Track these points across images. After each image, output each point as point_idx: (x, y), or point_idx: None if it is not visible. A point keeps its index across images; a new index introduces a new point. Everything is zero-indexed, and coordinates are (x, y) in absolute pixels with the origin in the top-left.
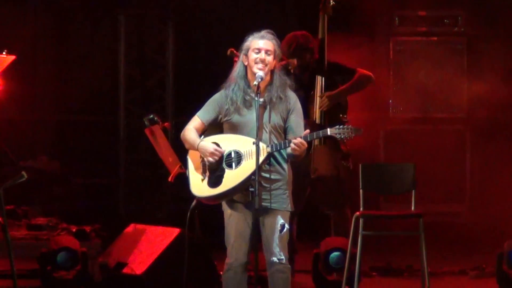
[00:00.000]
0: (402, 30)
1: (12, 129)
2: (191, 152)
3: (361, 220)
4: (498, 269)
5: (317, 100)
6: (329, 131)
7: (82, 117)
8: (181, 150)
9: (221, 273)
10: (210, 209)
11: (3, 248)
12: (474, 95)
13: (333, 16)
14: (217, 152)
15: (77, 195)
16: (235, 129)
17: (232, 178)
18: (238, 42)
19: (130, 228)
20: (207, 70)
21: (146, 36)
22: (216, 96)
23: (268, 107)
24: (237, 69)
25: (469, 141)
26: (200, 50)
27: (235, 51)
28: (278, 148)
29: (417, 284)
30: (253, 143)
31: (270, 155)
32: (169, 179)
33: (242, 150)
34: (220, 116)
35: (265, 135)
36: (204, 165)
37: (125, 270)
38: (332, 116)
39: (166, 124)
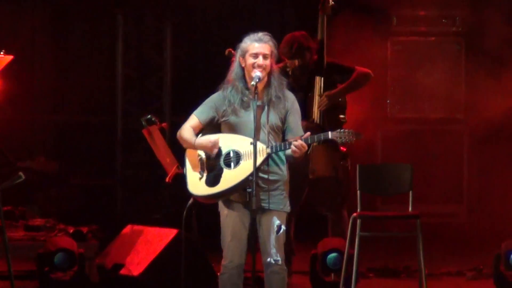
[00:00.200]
0: (400, 30)
1: (9, 129)
2: (188, 150)
3: (358, 221)
4: (495, 270)
5: (316, 100)
6: (330, 134)
7: (80, 118)
8: (178, 150)
9: (218, 274)
10: (207, 209)
11: (0, 249)
12: (471, 96)
13: (332, 16)
14: (216, 144)
15: (75, 196)
16: (233, 130)
17: (230, 177)
18: (236, 42)
19: (128, 229)
20: (205, 71)
21: (144, 36)
22: (214, 96)
23: (266, 107)
24: (234, 70)
25: (466, 142)
26: (198, 50)
27: (233, 51)
28: (278, 150)
29: (415, 285)
30: (251, 143)
31: (269, 156)
32: (167, 179)
33: (241, 150)
34: (217, 117)
35: (264, 136)
36: (202, 163)
37: (123, 271)
38: (331, 116)
39: (163, 124)
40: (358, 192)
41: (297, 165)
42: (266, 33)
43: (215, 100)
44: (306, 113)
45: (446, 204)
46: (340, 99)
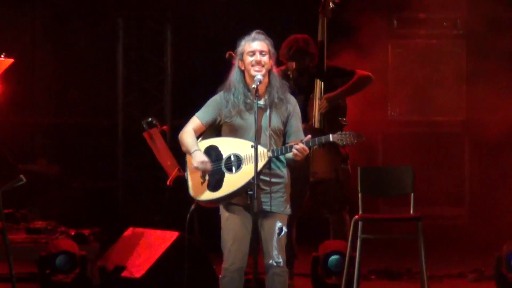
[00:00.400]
0: (401, 32)
1: (10, 132)
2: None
3: (360, 223)
4: (497, 272)
5: (316, 103)
6: (331, 137)
7: (81, 120)
8: (179, 153)
9: (219, 276)
10: (209, 212)
11: (2, 251)
12: (473, 98)
13: (332, 19)
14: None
15: (76, 198)
16: (235, 131)
17: (232, 182)
18: (236, 45)
19: (129, 231)
20: (205, 73)
21: (145, 39)
22: (216, 98)
23: (268, 110)
24: (234, 74)
25: (468, 144)
26: (199, 53)
27: (233, 54)
28: (280, 154)
29: (416, 287)
30: (251, 146)
31: (270, 160)
32: (168, 182)
33: (242, 154)
34: (219, 118)
35: (265, 139)
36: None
37: (124, 274)
38: (331, 119)
39: (164, 127)
40: (360, 194)
41: (298, 168)
42: (259, 31)
43: (217, 102)
44: (306, 116)
45: (448, 206)
46: (340, 102)
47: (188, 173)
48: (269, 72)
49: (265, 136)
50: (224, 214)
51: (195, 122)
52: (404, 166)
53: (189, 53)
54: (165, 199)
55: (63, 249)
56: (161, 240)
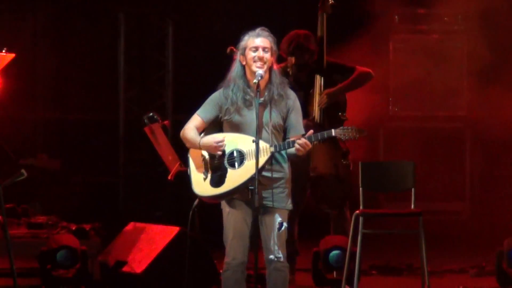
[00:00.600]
0: (402, 27)
1: (12, 127)
2: (192, 150)
3: (361, 219)
4: (498, 268)
5: (316, 98)
6: (333, 132)
7: (82, 116)
8: (180, 148)
9: (220, 271)
10: (210, 207)
11: (3, 246)
12: (474, 93)
13: (332, 15)
14: (220, 144)
15: (77, 193)
16: (236, 128)
17: (235, 177)
18: (238, 40)
19: (130, 226)
20: (206, 69)
21: (146, 34)
22: (216, 95)
23: (268, 106)
24: (235, 69)
25: (469, 139)
26: (200, 48)
27: (234, 49)
28: (282, 149)
29: (417, 282)
30: (253, 141)
31: (272, 155)
32: (169, 177)
33: (244, 150)
34: (220, 115)
35: (266, 135)
36: (206, 164)
37: (125, 269)
38: (331, 115)
39: (165, 122)
40: (361, 189)
41: (299, 164)
42: (264, 28)
43: (217, 99)
44: (306, 112)
45: (449, 202)
46: (340, 97)
47: (191, 169)
48: (270, 69)
49: (266, 132)
50: (225, 209)
51: (196, 120)
52: (405, 161)
53: (190, 48)
54: (166, 194)
55: (64, 244)
56: (162, 235)
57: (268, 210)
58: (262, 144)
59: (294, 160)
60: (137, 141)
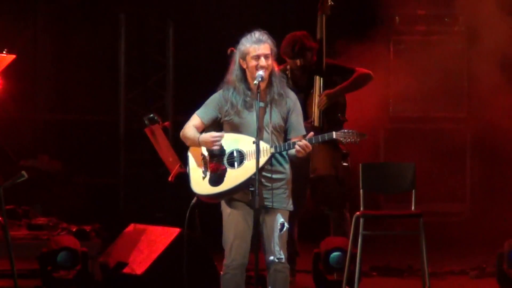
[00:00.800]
0: (403, 29)
1: (12, 128)
2: (192, 149)
3: (361, 220)
4: (499, 269)
5: (316, 99)
6: (334, 134)
7: (83, 117)
8: (181, 149)
9: (221, 273)
10: (210, 209)
11: (3, 248)
12: (474, 94)
13: (331, 16)
14: (217, 138)
15: (78, 194)
16: (236, 129)
17: (234, 177)
18: (238, 41)
19: (130, 227)
20: (207, 69)
21: (147, 35)
22: (216, 96)
23: (268, 107)
24: (235, 72)
25: (469, 140)
26: (200, 49)
27: (235, 51)
28: (282, 150)
29: (418, 284)
30: (253, 142)
31: (272, 156)
32: (169, 178)
33: (244, 150)
34: (220, 116)
35: (267, 136)
36: (205, 162)
37: (125, 270)
38: (330, 116)
39: (166, 123)
40: (361, 191)
41: (299, 165)
42: (263, 32)
43: (217, 100)
44: (306, 113)
45: (449, 203)
46: (339, 99)
47: (190, 167)
48: (270, 71)
49: (266, 133)
50: (225, 210)
51: (195, 120)
52: (405, 162)
53: (190, 49)
54: (167, 195)
55: (64, 245)
56: (162, 236)
57: (269, 211)
58: (262, 144)
59: (294, 161)
60: (137, 142)
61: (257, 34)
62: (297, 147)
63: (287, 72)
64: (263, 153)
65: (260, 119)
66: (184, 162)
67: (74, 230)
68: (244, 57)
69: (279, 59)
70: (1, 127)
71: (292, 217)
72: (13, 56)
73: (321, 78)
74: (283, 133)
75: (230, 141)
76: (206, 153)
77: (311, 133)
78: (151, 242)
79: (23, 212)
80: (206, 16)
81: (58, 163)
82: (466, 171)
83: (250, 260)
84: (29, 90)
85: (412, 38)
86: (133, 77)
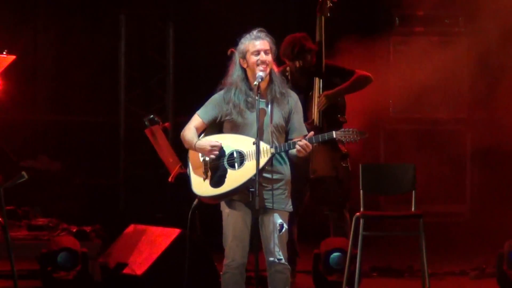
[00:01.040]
0: (402, 30)
1: (12, 129)
2: (191, 151)
3: (361, 221)
4: (499, 270)
5: (315, 101)
6: (334, 134)
7: (83, 117)
8: (181, 150)
9: (221, 273)
10: (211, 209)
11: (3, 248)
12: (474, 96)
13: (330, 17)
14: (215, 148)
15: (78, 195)
16: (236, 129)
17: (235, 178)
18: (238, 42)
19: (130, 228)
20: (207, 70)
21: (147, 36)
22: (216, 96)
23: (270, 106)
24: (236, 72)
25: (469, 141)
26: (201, 50)
27: (235, 51)
28: (283, 150)
29: (418, 284)
30: (253, 143)
31: (273, 156)
32: (170, 179)
33: (244, 150)
34: (221, 115)
35: (267, 136)
36: (205, 164)
37: (125, 271)
38: (330, 117)
39: (166, 124)
40: (361, 191)
41: (298, 166)
42: (260, 29)
43: (218, 100)
44: (305, 114)
45: (449, 204)
46: (339, 100)
47: (190, 169)
48: (270, 70)
49: (267, 133)
50: (225, 210)
51: (196, 120)
52: (405, 163)
53: (191, 50)
54: (167, 196)
55: (64, 246)
56: (162, 237)
57: (269, 212)
58: (262, 145)
59: (294, 161)
60: (137, 143)
61: (255, 32)
62: (297, 147)
63: (287, 73)
64: (263, 154)
65: (261, 119)
66: (185, 163)
67: (74, 230)
68: (244, 55)
69: (278, 60)
70: (1, 127)
71: (292, 218)
72: (13, 57)
73: (321, 80)
74: (284, 133)
75: (230, 142)
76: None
77: (311, 133)
78: (151, 242)
79: (23, 213)
80: (206, 17)
81: (58, 164)
82: (466, 172)
83: (251, 261)
84: (29, 91)
85: (412, 39)
86: (133, 78)
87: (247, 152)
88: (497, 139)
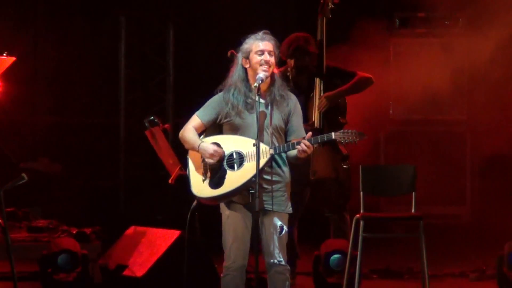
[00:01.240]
0: (403, 31)
1: (12, 130)
2: (191, 152)
3: (361, 222)
4: (499, 271)
5: (316, 102)
6: (333, 135)
7: (83, 119)
8: (181, 151)
9: (221, 275)
10: (210, 211)
11: (3, 250)
12: (474, 97)
13: (332, 19)
14: (216, 153)
15: (78, 197)
16: (236, 131)
17: (234, 179)
18: (238, 44)
19: (131, 230)
20: (207, 72)
21: (147, 37)
22: (216, 98)
23: (269, 108)
24: (237, 72)
25: (469, 143)
26: (201, 51)
27: (235, 53)
28: (282, 151)
29: (418, 286)
30: (253, 145)
31: (272, 157)
32: (170, 181)
33: (244, 151)
34: (220, 117)
35: (267, 137)
36: (205, 165)
37: (126, 272)
38: (330, 119)
39: (166, 125)
40: (361, 193)
41: (298, 168)
42: (266, 31)
43: (217, 101)
44: (306, 116)
45: (449, 206)
46: (340, 101)
47: (190, 170)
48: (272, 72)
49: (266, 134)
50: (225, 212)
51: (195, 121)
52: (406, 165)
53: (191, 52)
54: (167, 197)
55: (64, 247)
56: (162, 239)
57: (268, 214)
58: (262, 146)
59: (294, 163)
60: (137, 145)
61: (261, 33)
62: (299, 147)
63: (288, 73)
64: (263, 155)
65: (260, 120)
66: (184, 164)
67: (74, 232)
68: (247, 54)
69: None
70: (1, 129)
71: (292, 220)
72: (13, 59)
73: (321, 81)
74: (284, 134)
75: (229, 143)
76: None
77: (310, 133)
78: (151, 244)
79: (23, 215)
80: (206, 18)
81: (58, 165)
82: (466, 174)
83: (251, 263)
84: (29, 93)
85: (413, 41)
86: (133, 79)
87: (247, 153)
88: (497, 141)
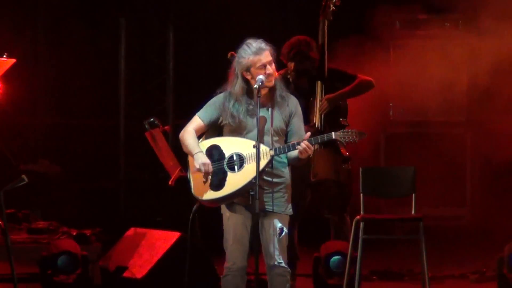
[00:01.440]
0: (403, 33)
1: (12, 132)
2: None
3: (361, 224)
4: (499, 273)
5: (317, 104)
6: (333, 134)
7: (83, 121)
8: (181, 153)
9: (221, 276)
10: (211, 212)
11: (3, 251)
12: (474, 99)
13: (333, 21)
14: (207, 173)
15: (78, 198)
16: (236, 132)
17: (235, 181)
18: (238, 45)
19: (131, 231)
20: (207, 73)
21: (147, 39)
22: (217, 99)
23: (270, 109)
24: (238, 85)
25: (469, 144)
26: (201, 53)
27: (235, 55)
28: (283, 152)
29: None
30: (253, 146)
31: (272, 159)
32: (170, 182)
33: (244, 153)
34: (221, 119)
35: (268, 139)
36: None
37: (126, 274)
38: (332, 120)
39: (166, 127)
40: (361, 195)
41: (299, 169)
42: (260, 40)
43: (219, 103)
44: (307, 118)
45: (449, 207)
46: (341, 103)
47: (191, 172)
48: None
49: (267, 136)
50: (225, 213)
51: (196, 122)
52: (406, 166)
53: (191, 53)
54: (167, 199)
55: (64, 249)
56: (162, 240)
57: (269, 215)
58: (262, 147)
59: (295, 165)
60: (137, 146)
61: (254, 44)
62: (299, 147)
63: (288, 76)
64: (263, 156)
65: (261, 122)
66: (185, 166)
67: (74, 234)
68: (247, 69)
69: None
70: (1, 131)
71: (292, 221)
72: (13, 60)
73: (323, 84)
74: (284, 136)
75: (230, 145)
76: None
77: (308, 133)
78: (151, 246)
79: (23, 216)
80: (206, 20)
81: (58, 167)
82: (466, 175)
83: (250, 264)
84: (29, 95)
85: (413, 42)
86: (133, 81)
87: (247, 154)
88: (497, 142)
